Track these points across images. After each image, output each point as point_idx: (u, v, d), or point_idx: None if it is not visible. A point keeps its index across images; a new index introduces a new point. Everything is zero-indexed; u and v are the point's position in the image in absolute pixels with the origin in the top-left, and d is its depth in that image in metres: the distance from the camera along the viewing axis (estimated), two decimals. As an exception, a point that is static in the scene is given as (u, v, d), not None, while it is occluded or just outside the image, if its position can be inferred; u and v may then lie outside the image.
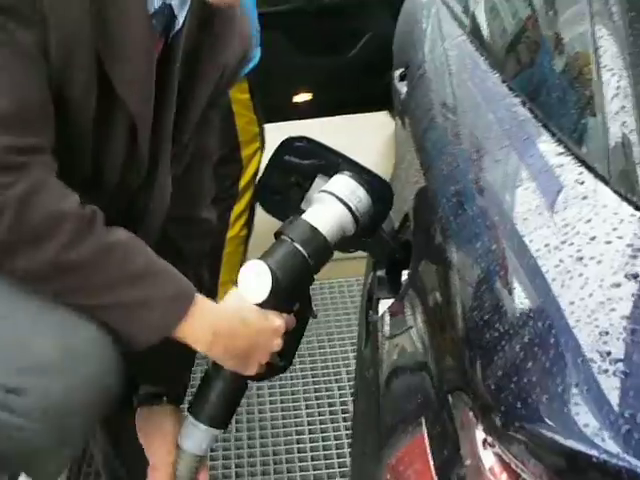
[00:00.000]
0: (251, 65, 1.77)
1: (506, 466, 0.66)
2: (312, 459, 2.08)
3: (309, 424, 2.22)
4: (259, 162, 2.20)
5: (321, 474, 2.03)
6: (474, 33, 1.42)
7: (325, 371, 2.42)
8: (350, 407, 2.04)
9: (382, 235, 1.33)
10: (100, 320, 0.97)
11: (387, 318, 1.13)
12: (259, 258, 1.07)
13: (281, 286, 1.05)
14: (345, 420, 2.17)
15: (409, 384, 0.89)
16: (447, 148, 1.08)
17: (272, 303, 1.06)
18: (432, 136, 1.18)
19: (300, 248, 1.07)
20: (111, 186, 1.08)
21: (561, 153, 0.88)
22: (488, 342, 0.72)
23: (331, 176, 1.30)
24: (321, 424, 2.21)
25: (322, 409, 2.26)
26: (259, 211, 1.37)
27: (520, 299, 0.76)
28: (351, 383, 2.16)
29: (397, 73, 1.74)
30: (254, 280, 1.05)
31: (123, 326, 0.98)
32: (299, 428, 2.21)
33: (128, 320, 0.97)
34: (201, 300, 1.01)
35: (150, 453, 1.18)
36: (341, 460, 2.06)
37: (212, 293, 1.24)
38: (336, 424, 2.19)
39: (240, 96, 2.08)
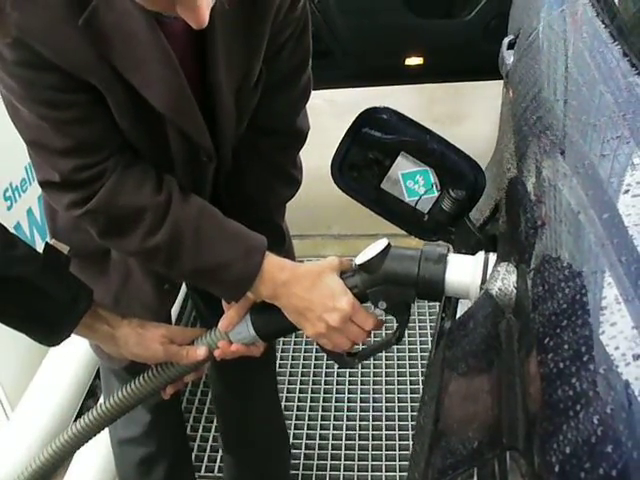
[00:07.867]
0: None
1: None
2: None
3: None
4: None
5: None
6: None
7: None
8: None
9: (468, 224, 1.19)
10: (194, 284, 1.16)
11: (454, 327, 0.98)
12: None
13: (382, 268, 1.04)
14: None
15: (467, 422, 0.75)
16: (547, 133, 0.90)
17: (365, 278, 1.05)
18: (532, 116, 1.00)
19: (420, 269, 1.03)
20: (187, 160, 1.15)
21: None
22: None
23: (416, 155, 1.16)
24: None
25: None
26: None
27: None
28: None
29: (506, 40, 1.54)
30: (371, 248, 1.06)
31: (210, 287, 1.12)
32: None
33: (213, 282, 1.10)
34: (270, 256, 1.08)
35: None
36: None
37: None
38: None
39: None
